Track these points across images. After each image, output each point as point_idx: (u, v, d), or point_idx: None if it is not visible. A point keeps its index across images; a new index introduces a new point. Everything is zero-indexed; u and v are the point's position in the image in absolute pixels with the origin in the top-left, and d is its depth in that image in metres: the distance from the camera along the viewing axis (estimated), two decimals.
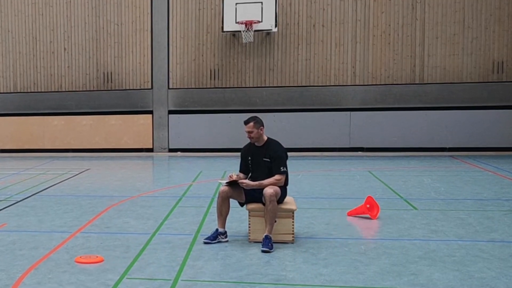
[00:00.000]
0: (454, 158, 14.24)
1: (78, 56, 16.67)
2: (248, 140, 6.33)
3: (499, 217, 7.41)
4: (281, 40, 15.80)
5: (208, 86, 16.20)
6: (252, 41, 15.28)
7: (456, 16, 15.13)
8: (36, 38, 16.81)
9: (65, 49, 16.73)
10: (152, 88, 16.45)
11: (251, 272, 5.25)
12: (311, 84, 15.77)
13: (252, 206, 6.26)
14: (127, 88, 16.54)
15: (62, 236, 6.66)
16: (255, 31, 15.21)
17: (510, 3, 14.91)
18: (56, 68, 16.82)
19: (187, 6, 16.14)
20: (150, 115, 16.49)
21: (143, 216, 7.73)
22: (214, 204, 7.76)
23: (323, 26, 15.66)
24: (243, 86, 16.03)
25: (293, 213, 6.24)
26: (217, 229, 6.30)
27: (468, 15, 15.07)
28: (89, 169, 13.17)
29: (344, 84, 15.64)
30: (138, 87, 16.53)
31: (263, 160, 6.20)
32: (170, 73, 16.34)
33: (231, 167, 11.71)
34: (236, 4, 15.15)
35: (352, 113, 15.60)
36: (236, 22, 15.17)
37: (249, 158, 6.32)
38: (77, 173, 12.40)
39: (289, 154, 6.43)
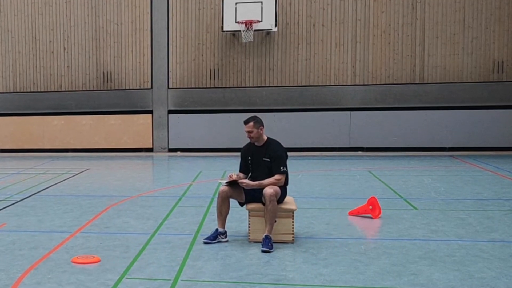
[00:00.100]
0: (454, 158, 14.23)
1: (78, 56, 16.66)
2: (248, 140, 6.33)
3: (499, 217, 7.40)
4: (281, 39, 15.79)
5: (208, 86, 16.19)
6: (252, 40, 15.27)
7: (456, 16, 15.12)
8: (35, 38, 16.80)
9: (64, 48, 16.72)
10: (152, 87, 16.44)
11: (251, 272, 5.24)
12: (311, 84, 15.76)
13: (252, 206, 6.25)
14: (127, 88, 16.53)
15: (61, 236, 6.65)
16: (255, 30, 15.20)
17: (510, 3, 14.90)
18: (56, 67, 16.81)
19: (187, 6, 16.13)
20: (150, 115, 16.47)
21: (143, 216, 7.72)
22: (214, 204, 7.75)
23: (323, 25, 15.65)
24: (243, 85, 16.02)
25: (293, 213, 6.23)
26: (217, 229, 6.29)
27: (468, 15, 15.07)
28: (88, 169, 13.17)
29: (344, 84, 15.63)
30: (138, 87, 16.52)
31: (263, 160, 6.19)
32: (170, 73, 16.33)
33: (231, 167, 11.70)
34: (236, 3, 15.14)
35: (352, 112, 15.59)
36: (236, 22, 15.16)
37: (249, 158, 6.31)
38: (77, 173, 12.39)
39: (289, 154, 6.42)
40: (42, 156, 16.11)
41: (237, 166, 6.63)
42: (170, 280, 5.05)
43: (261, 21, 15.04)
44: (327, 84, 15.70)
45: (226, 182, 6.25)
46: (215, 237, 6.22)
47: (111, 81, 16.56)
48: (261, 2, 15.03)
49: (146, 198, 9.18)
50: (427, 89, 15.32)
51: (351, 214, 7.58)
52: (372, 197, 7.50)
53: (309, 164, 13.28)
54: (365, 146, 15.63)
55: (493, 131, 14.98)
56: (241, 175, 6.38)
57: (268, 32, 15.60)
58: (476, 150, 14.92)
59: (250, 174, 6.36)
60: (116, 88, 16.55)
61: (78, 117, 16.73)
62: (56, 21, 16.69)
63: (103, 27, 16.50)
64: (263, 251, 5.83)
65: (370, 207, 7.43)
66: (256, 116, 6.28)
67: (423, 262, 5.44)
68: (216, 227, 6.33)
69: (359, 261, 5.49)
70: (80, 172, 12.47)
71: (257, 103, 15.86)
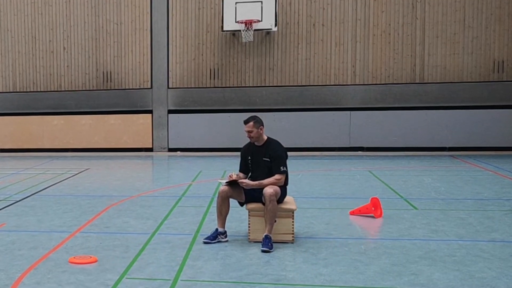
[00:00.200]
0: (454, 157, 14.22)
1: (78, 56, 16.65)
2: (248, 140, 6.32)
3: (499, 217, 7.39)
4: (281, 39, 15.78)
5: (207, 86, 16.18)
6: (252, 40, 15.26)
7: (456, 15, 15.11)
8: (35, 38, 16.78)
9: (64, 48, 16.71)
10: (151, 87, 16.43)
11: (251, 272, 5.23)
12: (311, 84, 15.75)
13: (252, 205, 6.24)
14: (127, 87, 16.52)
15: (61, 236, 6.64)
16: (255, 30, 15.19)
17: (510, 2, 14.89)
18: (56, 67, 16.79)
19: (187, 5, 16.12)
20: (150, 115, 16.46)
21: (143, 216, 7.71)
22: (214, 204, 7.74)
23: (323, 25, 15.64)
24: (243, 85, 16.01)
25: (293, 212, 6.23)
26: (216, 229, 6.28)
27: (468, 14, 15.06)
28: (88, 168, 13.15)
29: (344, 83, 15.62)
30: (138, 87, 16.51)
31: (263, 160, 6.18)
32: (169, 73, 16.32)
33: (230, 167, 11.69)
34: (236, 3, 15.13)
35: (352, 112, 15.58)
36: (236, 22, 15.14)
37: (249, 157, 6.30)
38: (77, 172, 12.38)
39: (289, 153, 6.41)
40: (41, 156, 16.10)
41: (237, 166, 6.62)
42: (170, 280, 5.04)
43: (261, 20, 15.03)
44: (327, 84, 15.69)
45: (226, 182, 6.24)
46: (215, 237, 6.21)
47: (111, 81, 16.55)
48: (261, 2, 15.02)
49: (146, 198, 9.17)
50: (427, 88, 15.31)
51: (352, 213, 7.57)
52: (375, 198, 7.48)
53: (309, 164, 13.27)
54: (365, 146, 15.62)
55: (493, 131, 14.97)
56: (241, 175, 6.37)
57: (268, 32, 15.59)
58: (476, 150, 14.91)
59: (250, 174, 6.35)
60: (116, 87, 16.54)
61: (78, 117, 16.72)
62: (55, 21, 16.68)
63: (103, 27, 16.48)
64: (263, 251, 5.82)
65: (373, 208, 7.42)
66: (256, 116, 6.27)
67: (423, 262, 5.43)
68: (216, 227, 6.32)
69: (359, 261, 5.48)
70: (80, 172, 12.46)
71: (257, 103, 15.85)
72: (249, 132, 6.17)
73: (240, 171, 6.43)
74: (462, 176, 11.07)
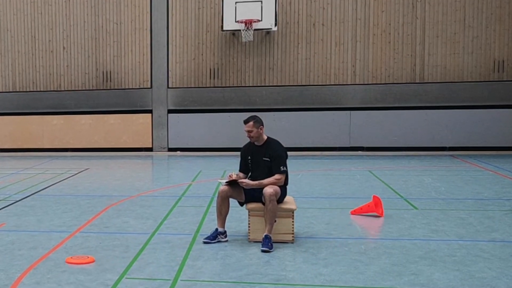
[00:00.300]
0: (454, 157, 14.21)
1: (77, 55, 16.64)
2: (248, 140, 6.31)
3: (500, 216, 7.38)
4: (281, 39, 15.76)
5: (207, 85, 16.17)
6: (252, 40, 15.25)
7: (456, 15, 15.10)
8: (35, 37, 16.77)
9: (64, 48, 16.69)
10: (151, 87, 16.42)
11: (250, 272, 5.22)
12: (311, 83, 15.74)
13: (252, 205, 6.23)
14: (126, 87, 16.51)
15: (61, 236, 6.64)
16: (255, 30, 15.18)
17: (511, 2, 14.88)
18: (55, 67, 16.78)
19: (187, 5, 16.10)
20: (150, 114, 16.45)
21: (143, 216, 7.70)
22: (214, 204, 7.73)
23: (323, 25, 15.62)
24: (242, 85, 16.00)
25: (293, 212, 6.22)
26: (216, 229, 6.27)
27: (468, 14, 15.04)
28: (88, 168, 13.14)
29: (344, 83, 15.61)
30: (138, 86, 16.49)
31: (263, 160, 6.17)
32: (169, 72, 16.31)
33: (230, 167, 11.68)
34: (236, 3, 15.12)
35: (352, 112, 15.57)
36: (235, 21, 15.13)
37: (249, 157, 6.29)
38: (76, 172, 12.37)
39: (289, 153, 6.41)
40: (41, 156, 16.09)
41: (237, 166, 6.61)
42: (169, 280, 5.03)
43: (261, 20, 15.02)
44: (327, 83, 15.68)
45: (226, 182, 6.24)
46: (215, 237, 6.20)
47: (110, 81, 16.54)
48: (261, 2, 15.00)
49: (145, 198, 9.16)
50: (427, 88, 15.30)
51: (353, 213, 7.56)
52: (377, 197, 7.47)
53: (309, 164, 13.26)
54: (365, 145, 15.61)
55: (493, 131, 14.96)
56: (241, 174, 6.36)
57: (268, 32, 15.57)
58: (477, 150, 14.90)
59: (250, 174, 6.34)
60: (116, 87, 16.53)
61: (78, 117, 16.70)
62: (55, 20, 16.67)
63: (102, 27, 16.47)
64: (263, 251, 5.81)
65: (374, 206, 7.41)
66: (256, 116, 6.26)
67: (423, 262, 5.42)
68: (216, 226, 6.31)
69: (359, 261, 5.47)
70: (80, 172, 12.45)
71: (257, 102, 15.84)
72: (249, 131, 6.16)
73: (240, 171, 6.42)
74: (462, 176, 11.06)
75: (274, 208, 5.98)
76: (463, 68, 15.15)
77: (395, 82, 15.42)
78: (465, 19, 15.06)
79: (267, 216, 6.03)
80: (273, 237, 6.02)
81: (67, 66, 16.70)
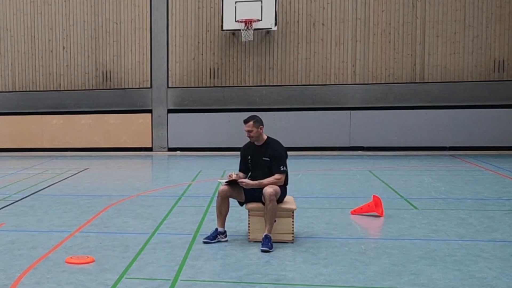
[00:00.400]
0: (454, 157, 14.20)
1: (77, 55, 16.63)
2: (248, 139, 6.30)
3: (500, 216, 7.37)
4: (281, 38, 15.76)
5: (207, 85, 16.16)
6: (252, 39, 15.24)
7: (456, 15, 15.09)
8: (34, 37, 16.76)
9: (64, 47, 16.68)
10: (151, 87, 16.41)
11: (250, 272, 5.21)
12: (311, 83, 15.73)
13: (252, 205, 6.22)
14: (126, 87, 16.50)
15: (61, 236, 6.63)
16: (255, 29, 15.17)
17: (511, 2, 14.87)
18: (55, 67, 16.77)
19: (187, 5, 16.09)
20: (149, 114, 16.44)
21: (142, 216, 7.70)
22: (214, 204, 7.72)
23: (323, 24, 15.61)
24: (242, 85, 15.99)
25: (293, 212, 6.21)
26: (216, 229, 6.27)
27: (468, 14, 15.04)
28: (88, 168, 13.14)
29: (344, 83, 15.60)
30: (137, 86, 16.49)
31: (263, 159, 6.17)
32: (169, 72, 16.30)
33: (230, 166, 11.67)
34: (236, 2, 15.11)
35: (352, 112, 15.56)
36: (235, 21, 15.12)
37: (249, 157, 6.29)
38: (76, 172, 12.36)
39: (289, 153, 6.40)
40: (41, 156, 16.08)
41: (236, 166, 6.60)
42: (169, 280, 5.02)
43: (261, 20, 15.01)
44: (327, 83, 15.67)
45: (226, 182, 6.23)
46: (215, 236, 6.20)
47: (110, 80, 16.53)
48: (261, 1, 15.00)
49: (145, 198, 9.16)
50: (427, 88, 15.29)
51: (353, 213, 7.56)
52: (377, 197, 7.46)
53: (309, 164, 13.25)
54: (365, 145, 15.61)
55: (493, 131, 14.95)
56: (241, 174, 6.35)
57: (268, 31, 15.56)
58: (477, 150, 14.89)
59: (250, 174, 6.34)
60: (116, 87, 16.52)
61: (77, 116, 16.70)
62: (55, 20, 16.66)
63: (102, 26, 16.46)
64: (262, 251, 5.80)
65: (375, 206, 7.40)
66: (256, 115, 6.26)
67: (423, 262, 5.41)
68: (216, 226, 6.31)
69: (359, 261, 5.46)
70: (79, 172, 12.44)
71: (257, 102, 15.83)
72: (249, 131, 6.15)
73: (240, 170, 6.42)
74: (463, 176, 11.05)
75: (274, 208, 5.97)
76: (463, 67, 15.14)
77: (395, 81, 15.41)
78: (465, 18, 15.05)
79: (267, 216, 6.02)
80: (273, 237, 6.02)
81: (66, 65, 16.69)
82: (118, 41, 16.42)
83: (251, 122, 6.13)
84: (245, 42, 15.47)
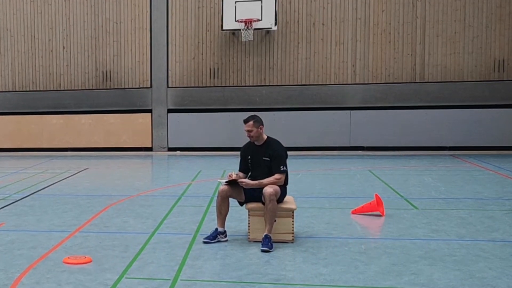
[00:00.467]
0: (454, 157, 14.20)
1: (77, 55, 16.62)
2: (248, 139, 6.30)
3: (500, 216, 7.37)
4: (281, 38, 15.75)
5: (207, 85, 16.16)
6: (252, 39, 15.24)
7: (456, 15, 15.09)
8: (34, 37, 16.76)
9: (64, 47, 16.68)
10: (151, 86, 16.41)
11: (250, 271, 5.21)
12: (311, 83, 15.73)
13: (252, 205, 6.22)
14: (126, 86, 16.49)
15: (60, 236, 6.62)
16: (255, 29, 15.17)
17: (511, 2, 14.87)
18: (55, 66, 16.77)
19: (187, 5, 16.09)
20: (149, 114, 16.44)
21: (142, 216, 7.69)
22: (214, 204, 7.72)
23: (323, 24, 15.61)
24: (242, 84, 15.99)
25: (293, 212, 6.21)
26: (216, 229, 6.26)
27: (469, 14, 15.03)
28: (87, 168, 13.13)
29: (344, 82, 15.60)
30: (137, 86, 16.48)
31: (263, 159, 6.16)
32: (169, 72, 16.30)
33: (230, 166, 11.67)
34: (236, 2, 15.11)
35: (352, 111, 15.56)
36: (235, 21, 15.12)
37: (249, 157, 6.28)
38: (76, 172, 12.36)
39: (289, 153, 6.39)
40: (41, 155, 16.07)
41: (236, 166, 6.60)
42: (169, 279, 5.02)
43: (261, 19, 15.01)
44: (327, 83, 15.67)
45: (226, 182, 6.23)
46: (215, 236, 6.19)
47: (110, 80, 16.52)
48: (261, 1, 14.99)
49: (145, 198, 9.15)
50: (427, 88, 15.28)
51: (354, 212, 7.55)
52: (379, 196, 7.46)
53: (309, 164, 13.25)
54: (365, 145, 15.61)
55: (493, 130, 14.95)
56: (241, 174, 6.35)
57: (268, 31, 15.56)
58: (477, 149, 14.89)
59: (250, 174, 6.33)
60: (116, 87, 16.51)
61: (77, 116, 16.69)
62: (55, 20, 16.66)
63: (102, 26, 16.46)
64: (262, 251, 5.80)
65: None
66: (256, 115, 6.25)
67: (423, 262, 5.41)
68: (216, 226, 6.30)
69: (359, 261, 5.46)
70: (79, 172, 12.44)
71: (257, 102, 15.83)
72: (249, 131, 6.15)
73: (240, 170, 6.41)
74: (463, 176, 11.05)
75: (274, 207, 5.97)
76: (463, 67, 15.14)
77: (395, 81, 15.41)
78: (465, 18, 15.05)
79: (267, 216, 6.02)
80: (273, 237, 6.01)
81: (66, 65, 16.69)
82: (118, 41, 16.42)
83: (251, 122, 6.13)
84: (245, 42, 15.47)
